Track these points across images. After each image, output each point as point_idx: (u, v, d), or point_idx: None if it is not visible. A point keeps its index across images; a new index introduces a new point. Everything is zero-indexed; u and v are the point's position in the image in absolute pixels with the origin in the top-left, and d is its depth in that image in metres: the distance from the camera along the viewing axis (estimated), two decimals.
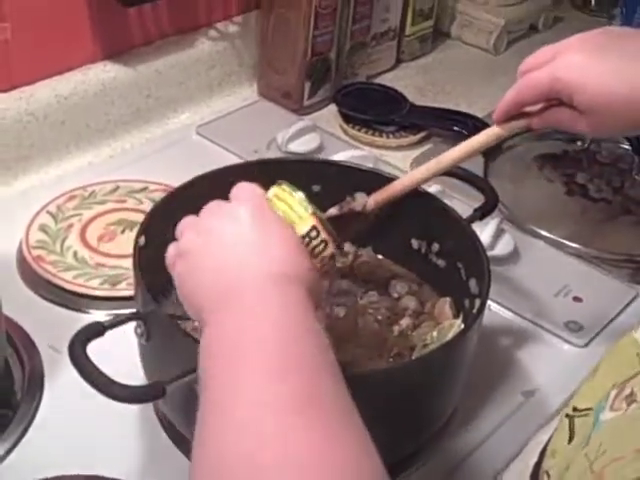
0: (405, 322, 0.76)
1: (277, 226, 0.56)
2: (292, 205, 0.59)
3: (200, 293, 0.54)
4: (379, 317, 0.77)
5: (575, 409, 0.56)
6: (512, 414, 0.76)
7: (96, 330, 0.61)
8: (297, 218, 0.59)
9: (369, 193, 0.75)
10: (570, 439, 0.55)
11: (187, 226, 0.58)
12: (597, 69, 0.62)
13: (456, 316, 0.75)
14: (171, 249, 0.60)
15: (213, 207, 0.58)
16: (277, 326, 0.49)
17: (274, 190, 0.60)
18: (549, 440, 0.60)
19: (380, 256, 0.83)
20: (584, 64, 0.63)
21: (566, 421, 0.56)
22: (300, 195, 0.60)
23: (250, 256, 0.54)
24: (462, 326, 0.72)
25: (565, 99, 0.64)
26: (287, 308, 0.50)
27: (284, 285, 0.52)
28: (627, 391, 0.47)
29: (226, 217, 0.56)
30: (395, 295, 0.79)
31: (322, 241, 0.59)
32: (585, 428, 0.53)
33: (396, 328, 0.76)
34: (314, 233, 0.59)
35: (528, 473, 0.61)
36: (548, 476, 0.55)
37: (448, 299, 0.77)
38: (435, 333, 0.74)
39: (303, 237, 0.58)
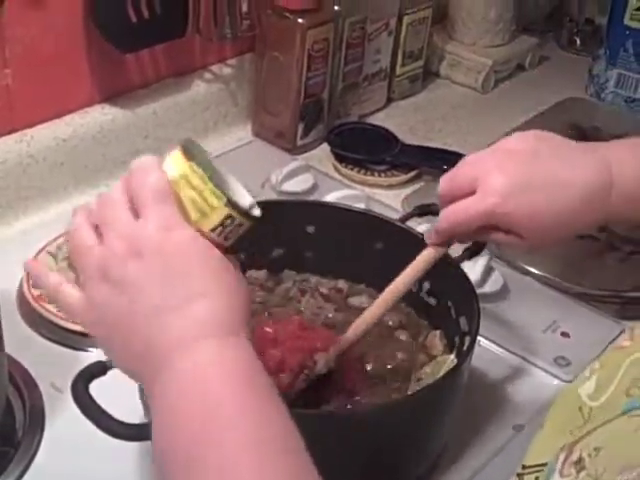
0: (400, 356, 0.78)
1: (196, 258, 0.51)
2: (203, 192, 0.53)
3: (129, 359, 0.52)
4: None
5: (524, 467, 0.56)
6: (503, 447, 0.78)
7: (99, 369, 0.63)
8: (208, 208, 0.53)
9: (359, 239, 0.78)
10: None
11: (87, 259, 0.53)
12: (528, 197, 0.64)
13: (447, 348, 0.77)
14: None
15: (113, 222, 0.52)
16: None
17: (181, 167, 0.54)
18: None
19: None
20: (514, 193, 0.64)
21: None
22: (212, 181, 0.53)
23: (169, 317, 0.50)
24: (455, 361, 0.74)
25: (502, 228, 0.66)
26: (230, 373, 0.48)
27: (217, 344, 0.49)
28: (575, 455, 0.46)
29: (128, 252, 0.51)
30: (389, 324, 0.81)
31: (237, 225, 0.55)
32: None
33: (391, 361, 0.78)
34: (229, 221, 0.54)
35: None
36: None
37: (438, 332, 0.79)
38: (429, 369, 0.76)
39: (215, 227, 0.54)
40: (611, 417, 0.47)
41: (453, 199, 0.68)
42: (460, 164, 0.69)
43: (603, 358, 0.59)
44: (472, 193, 0.66)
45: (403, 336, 0.81)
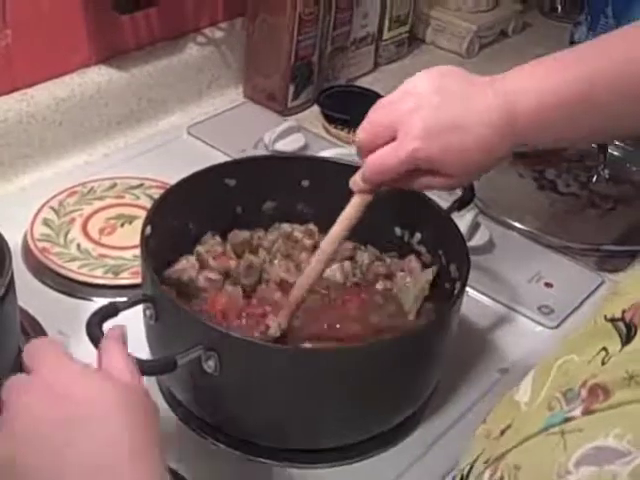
0: (380, 285, 0.82)
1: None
2: None
3: None
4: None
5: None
6: (489, 390, 0.82)
7: (110, 310, 0.66)
8: None
9: None
10: None
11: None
12: (446, 137, 0.65)
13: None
14: None
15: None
16: None
17: None
18: None
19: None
20: (432, 135, 0.65)
21: None
22: None
23: None
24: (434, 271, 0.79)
25: (426, 169, 0.67)
26: None
27: None
28: (497, 475, 0.44)
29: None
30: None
31: None
32: None
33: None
34: None
35: None
36: None
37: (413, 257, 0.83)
38: (409, 279, 0.81)
39: None
40: (531, 433, 0.45)
41: (375, 148, 0.68)
42: (373, 111, 0.69)
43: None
44: (392, 139, 0.67)
45: (380, 268, 0.85)
